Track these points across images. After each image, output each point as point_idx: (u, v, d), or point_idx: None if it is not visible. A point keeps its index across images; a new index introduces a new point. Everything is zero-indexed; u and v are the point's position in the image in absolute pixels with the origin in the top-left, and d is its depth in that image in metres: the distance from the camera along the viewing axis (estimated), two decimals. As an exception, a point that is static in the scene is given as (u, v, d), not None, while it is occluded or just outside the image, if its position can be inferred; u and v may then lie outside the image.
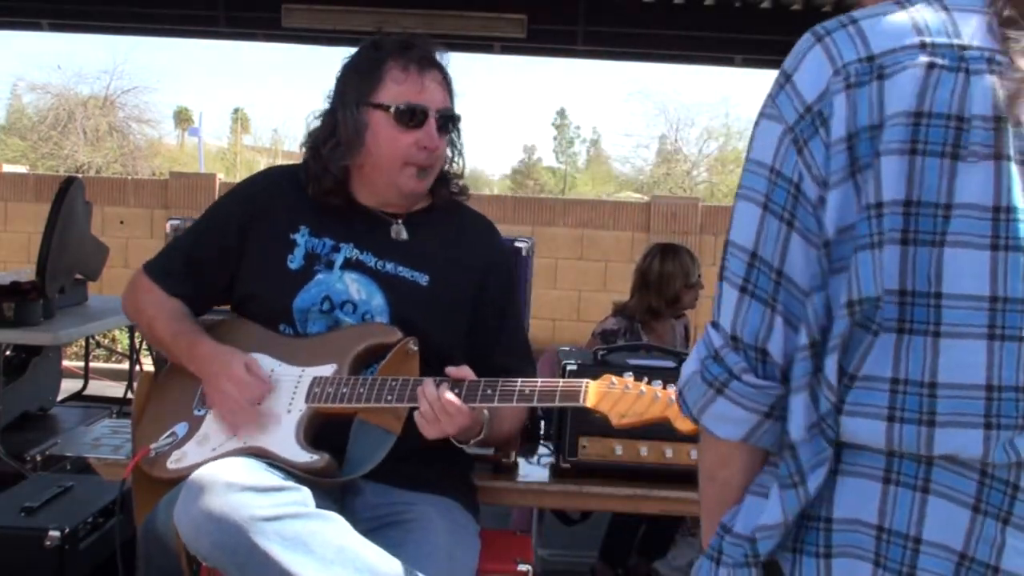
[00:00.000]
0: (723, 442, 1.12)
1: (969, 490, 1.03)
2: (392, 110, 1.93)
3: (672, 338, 3.84)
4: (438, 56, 2.01)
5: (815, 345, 1.04)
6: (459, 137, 2.07)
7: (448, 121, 1.99)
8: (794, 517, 1.05)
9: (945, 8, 1.05)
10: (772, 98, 1.07)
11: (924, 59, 1.01)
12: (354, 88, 1.96)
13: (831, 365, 1.03)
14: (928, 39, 1.02)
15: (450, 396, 1.79)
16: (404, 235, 2.02)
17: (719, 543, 1.13)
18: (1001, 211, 1.00)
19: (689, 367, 1.13)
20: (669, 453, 2.16)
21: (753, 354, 1.08)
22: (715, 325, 1.11)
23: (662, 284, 3.76)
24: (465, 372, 1.84)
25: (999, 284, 1.00)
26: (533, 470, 2.31)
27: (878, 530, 1.04)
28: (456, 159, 2.09)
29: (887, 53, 1.02)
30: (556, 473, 2.24)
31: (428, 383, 1.81)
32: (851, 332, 1.03)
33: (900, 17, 1.04)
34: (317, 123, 2.02)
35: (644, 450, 2.17)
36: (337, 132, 1.96)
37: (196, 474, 1.68)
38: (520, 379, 1.83)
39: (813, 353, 1.05)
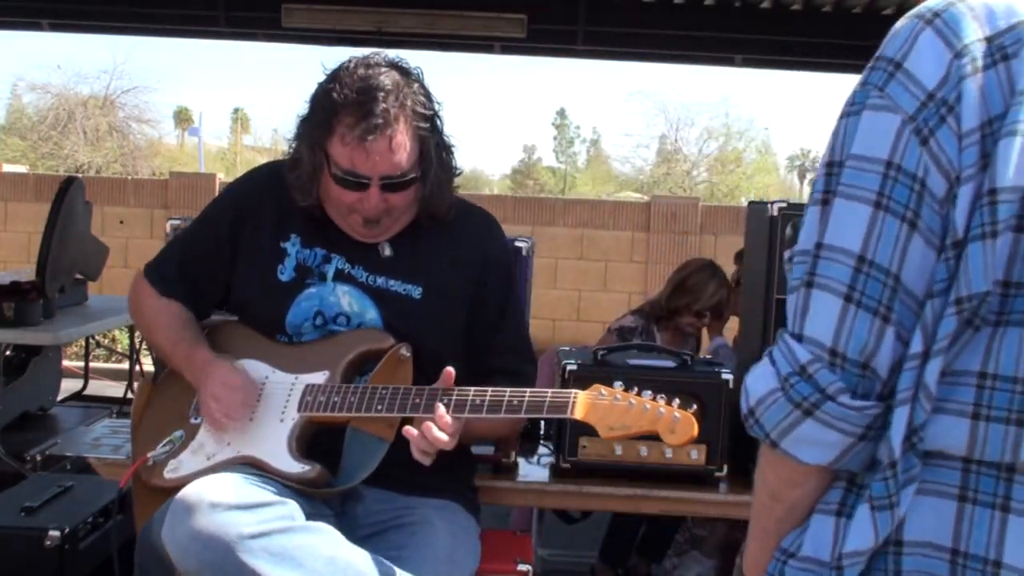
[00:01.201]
0: (801, 464, 1.01)
1: None
2: (334, 172, 1.87)
3: (685, 346, 3.80)
4: (402, 85, 1.86)
5: (927, 353, 0.95)
6: (443, 154, 1.95)
7: (396, 184, 1.88)
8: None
9: None
10: (879, 87, 0.98)
11: None
12: (312, 125, 1.90)
13: (933, 370, 0.94)
14: None
15: (448, 419, 1.77)
16: (388, 251, 1.98)
17: (780, 569, 1.05)
18: None
19: (764, 383, 1.01)
20: (669, 453, 2.16)
21: (856, 371, 0.97)
22: (797, 336, 1.00)
23: (674, 290, 3.73)
24: (448, 377, 1.81)
25: None
26: (533, 470, 2.31)
27: (953, 554, 0.96)
28: (443, 181, 1.97)
29: (1006, 31, 0.95)
30: (556, 473, 2.24)
31: (430, 427, 1.76)
32: (958, 332, 0.94)
33: None
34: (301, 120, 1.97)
35: (644, 450, 2.17)
36: (301, 164, 1.92)
37: (181, 494, 1.68)
38: (509, 390, 1.81)
39: (923, 361, 0.95)
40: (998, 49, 0.94)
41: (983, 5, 0.97)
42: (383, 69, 1.86)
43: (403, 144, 1.85)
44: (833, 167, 1.01)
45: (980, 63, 0.94)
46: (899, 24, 1.00)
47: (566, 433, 2.18)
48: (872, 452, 1.00)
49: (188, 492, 1.68)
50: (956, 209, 0.93)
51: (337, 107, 1.82)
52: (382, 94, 1.82)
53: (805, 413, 0.98)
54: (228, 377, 1.89)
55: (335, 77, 1.86)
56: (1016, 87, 0.93)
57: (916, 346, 0.95)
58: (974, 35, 0.95)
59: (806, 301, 0.99)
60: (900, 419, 0.96)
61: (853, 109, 1.00)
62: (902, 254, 0.95)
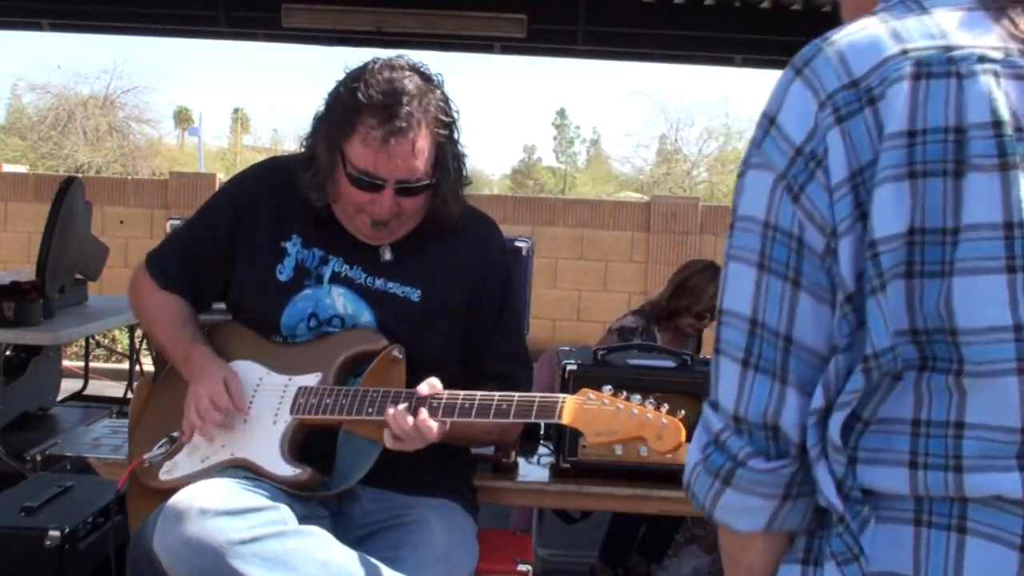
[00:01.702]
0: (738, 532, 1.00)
1: (1015, 528, 0.90)
2: (349, 171, 1.85)
3: (685, 346, 3.80)
4: (423, 91, 1.84)
5: (829, 408, 0.93)
6: (456, 163, 1.94)
7: (411, 189, 1.87)
8: None
9: (924, 9, 0.94)
10: (757, 145, 0.96)
11: (909, 68, 0.90)
12: (331, 123, 1.87)
13: (836, 424, 0.93)
14: (910, 45, 0.91)
15: (431, 423, 1.76)
16: (389, 255, 1.97)
17: None
18: (1013, 227, 0.88)
19: (692, 456, 1.00)
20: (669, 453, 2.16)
21: (762, 434, 0.95)
22: (714, 405, 0.99)
23: (674, 291, 3.73)
24: (435, 387, 1.81)
25: (1022, 310, 0.88)
26: (533, 470, 2.31)
27: None
28: (455, 189, 1.96)
29: (871, 72, 0.91)
30: (556, 473, 2.24)
31: (400, 413, 1.77)
32: (870, 386, 0.92)
33: (876, 28, 0.93)
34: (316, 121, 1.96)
35: (644, 450, 2.15)
36: (315, 161, 1.90)
37: (172, 500, 1.68)
38: (498, 394, 1.80)
39: (825, 416, 0.94)
40: (865, 92, 0.91)
41: (849, 45, 0.93)
42: (407, 73, 1.86)
43: (423, 149, 1.84)
44: (731, 229, 0.99)
45: (844, 111, 0.91)
46: (780, 75, 0.97)
47: (566, 433, 2.17)
48: (808, 508, 0.98)
49: (179, 499, 1.68)
50: (839, 263, 0.92)
51: (361, 107, 1.81)
52: (407, 98, 1.81)
53: (724, 482, 0.97)
54: (218, 394, 1.87)
55: (359, 77, 1.84)
56: (885, 131, 0.90)
57: (817, 402, 0.93)
58: (839, 81, 0.92)
59: (716, 368, 0.99)
60: (823, 474, 0.94)
61: (743, 168, 0.99)
62: (790, 313, 0.94)
